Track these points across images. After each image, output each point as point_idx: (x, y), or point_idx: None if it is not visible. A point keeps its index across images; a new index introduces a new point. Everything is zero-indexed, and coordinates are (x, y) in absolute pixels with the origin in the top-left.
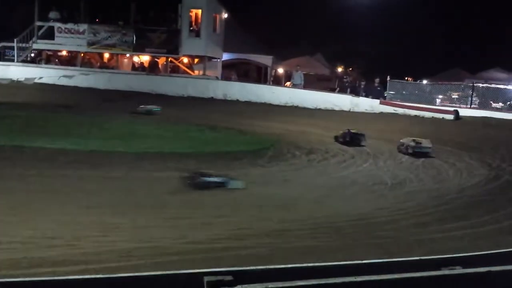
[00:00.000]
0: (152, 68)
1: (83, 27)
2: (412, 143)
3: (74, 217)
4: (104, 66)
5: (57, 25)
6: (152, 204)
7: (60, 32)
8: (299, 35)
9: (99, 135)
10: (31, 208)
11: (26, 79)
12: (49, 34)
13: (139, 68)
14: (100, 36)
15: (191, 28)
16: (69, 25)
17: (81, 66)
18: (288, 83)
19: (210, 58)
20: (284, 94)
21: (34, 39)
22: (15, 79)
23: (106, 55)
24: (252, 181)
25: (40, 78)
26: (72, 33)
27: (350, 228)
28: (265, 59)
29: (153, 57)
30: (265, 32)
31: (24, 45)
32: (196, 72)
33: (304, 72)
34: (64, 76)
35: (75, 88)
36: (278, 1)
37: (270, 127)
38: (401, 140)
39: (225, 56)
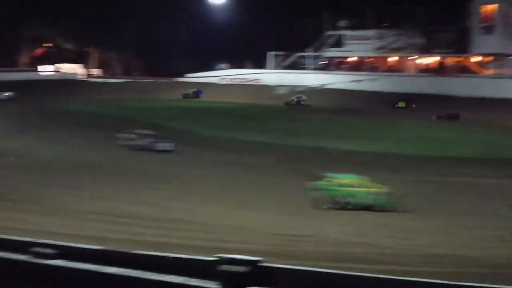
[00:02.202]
0: (439, 69)
1: (370, 33)
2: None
3: (376, 219)
4: (388, 69)
5: (346, 33)
6: (457, 210)
7: (348, 40)
8: None
9: (386, 138)
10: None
11: (320, 85)
12: (338, 42)
13: (424, 70)
14: (387, 40)
15: (483, 25)
16: (357, 32)
17: (366, 71)
18: None
19: (506, 55)
20: None
21: (325, 47)
22: (310, 85)
23: (390, 59)
24: None
25: (331, 84)
26: (360, 40)
27: None
28: None
29: (441, 57)
30: None
31: (316, 53)
32: (489, 71)
33: None
34: (352, 81)
35: (362, 93)
36: None
37: None
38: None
39: None
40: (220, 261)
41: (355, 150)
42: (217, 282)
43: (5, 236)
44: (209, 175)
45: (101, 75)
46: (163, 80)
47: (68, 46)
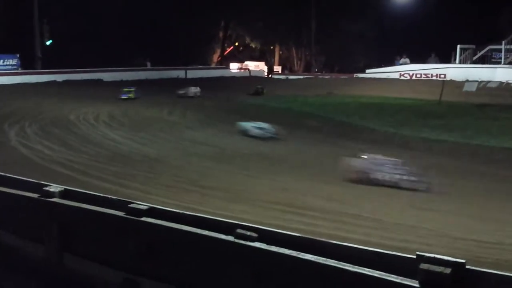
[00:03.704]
0: None
1: None
2: None
3: None
4: None
5: None
6: None
7: None
8: None
9: None
10: None
11: None
12: None
13: None
14: None
15: None
16: None
17: None
18: None
19: None
20: None
21: None
22: (503, 81)
23: None
24: None
25: None
26: None
27: None
28: None
29: None
30: None
31: (511, 46)
32: None
33: None
34: None
35: None
36: None
37: None
38: None
39: None
40: (421, 259)
41: None
42: (416, 281)
43: (211, 217)
44: None
45: (282, 72)
46: (342, 76)
47: (254, 44)
